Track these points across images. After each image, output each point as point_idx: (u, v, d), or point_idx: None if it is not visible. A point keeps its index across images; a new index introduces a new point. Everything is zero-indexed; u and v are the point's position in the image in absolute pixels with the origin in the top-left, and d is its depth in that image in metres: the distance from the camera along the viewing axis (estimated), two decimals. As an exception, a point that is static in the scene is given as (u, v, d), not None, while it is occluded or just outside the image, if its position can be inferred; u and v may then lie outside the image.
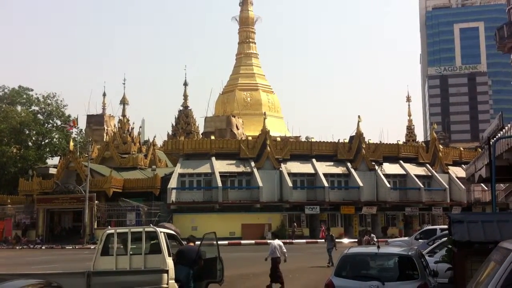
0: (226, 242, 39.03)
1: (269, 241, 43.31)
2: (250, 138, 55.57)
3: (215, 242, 14.51)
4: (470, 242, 9.51)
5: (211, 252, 14.51)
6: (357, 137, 52.54)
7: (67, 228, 50.40)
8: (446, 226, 22.76)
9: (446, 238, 14.29)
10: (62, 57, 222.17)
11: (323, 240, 27.65)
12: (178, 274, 13.15)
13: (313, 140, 53.85)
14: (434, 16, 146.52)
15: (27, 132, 61.53)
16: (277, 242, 18.07)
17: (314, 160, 51.06)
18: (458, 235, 9.71)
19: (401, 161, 53.86)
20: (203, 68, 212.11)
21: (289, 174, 49.38)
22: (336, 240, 25.81)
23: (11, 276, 4.56)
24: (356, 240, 30.88)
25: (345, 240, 40.20)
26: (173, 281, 13.05)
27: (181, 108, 71.12)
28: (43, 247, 43.24)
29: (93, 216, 46.22)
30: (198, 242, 14.23)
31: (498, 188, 49.92)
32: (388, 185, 50.64)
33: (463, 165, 53.94)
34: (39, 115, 63.47)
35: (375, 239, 23.60)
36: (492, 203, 17.86)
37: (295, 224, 46.79)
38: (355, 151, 52.11)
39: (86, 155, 49.98)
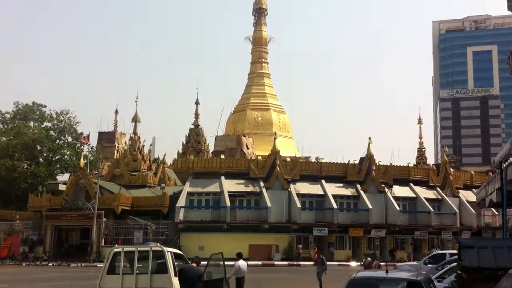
0: (232, 262, 38.77)
1: (276, 262, 43.29)
2: (260, 157, 55.51)
3: (221, 263, 14.40)
4: (480, 268, 9.38)
5: (217, 273, 14.42)
6: (367, 159, 52.29)
7: (74, 245, 50.32)
8: (455, 251, 22.49)
9: (455, 263, 14.08)
10: (76, 75, 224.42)
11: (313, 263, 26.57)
12: None
13: (323, 161, 53.66)
14: (447, 39, 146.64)
15: (38, 148, 61.86)
16: (241, 262, 18.23)
17: (323, 181, 50.82)
18: (468, 261, 9.58)
19: (411, 184, 53.47)
20: (215, 87, 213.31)
21: (298, 194, 49.12)
22: (344, 263, 25.61)
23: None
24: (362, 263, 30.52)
25: (353, 263, 39.81)
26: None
27: (192, 126, 71.34)
28: (50, 264, 43.16)
29: (101, 234, 46.14)
30: (203, 262, 14.14)
31: (509, 213, 49.33)
32: (398, 208, 50.21)
33: (473, 189, 53.42)
34: (51, 131, 63.85)
35: (372, 261, 23.37)
36: (503, 229, 17.64)
37: (299, 246, 46.41)
38: (365, 173, 51.81)
39: (96, 172, 50.09)
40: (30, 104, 65.22)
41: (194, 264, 14.05)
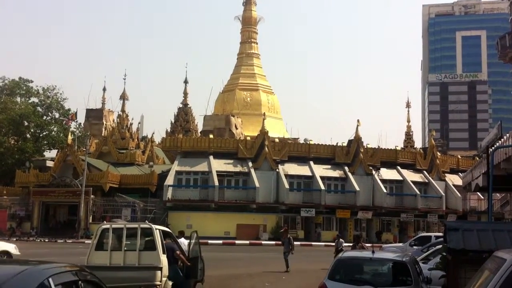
0: (220, 241, 39.05)
1: (263, 242, 43.62)
2: (248, 138, 55.59)
3: (194, 241, 14.50)
4: (465, 250, 9.53)
5: (193, 251, 14.53)
6: (356, 141, 52.57)
7: (62, 221, 50.32)
8: (441, 234, 22.80)
9: (440, 246, 14.30)
10: (63, 51, 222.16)
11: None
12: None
13: (311, 142, 53.84)
14: (436, 23, 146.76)
15: (26, 124, 61.41)
16: (182, 240, 18.56)
17: (311, 162, 51.07)
18: (453, 243, 9.72)
19: (398, 167, 53.90)
20: (204, 66, 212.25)
21: (286, 175, 49.37)
22: (331, 244, 25.73)
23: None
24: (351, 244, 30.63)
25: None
26: (166, 278, 13.08)
27: (181, 105, 71.13)
28: (37, 240, 43.16)
29: (89, 211, 46.13)
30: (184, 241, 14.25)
31: (494, 197, 49.98)
32: (385, 191, 50.67)
33: (460, 173, 53.90)
34: (38, 107, 63.35)
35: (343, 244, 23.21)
36: (488, 213, 17.89)
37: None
38: (353, 155, 52.13)
39: (84, 149, 49.91)
40: (16, 79, 64.59)
41: (169, 240, 14.14)
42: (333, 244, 23.91)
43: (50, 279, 4.15)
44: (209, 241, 39.77)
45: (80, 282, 4.62)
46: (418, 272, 10.23)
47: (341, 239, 23.46)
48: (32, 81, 65.24)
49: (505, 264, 5.16)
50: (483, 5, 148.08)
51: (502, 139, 18.47)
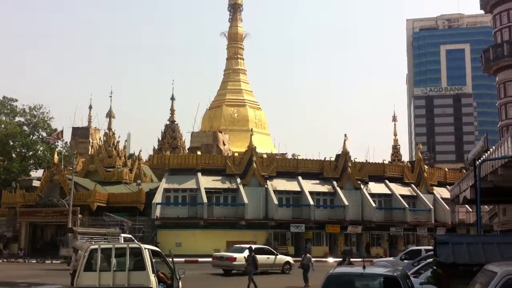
0: (210, 259, 38.75)
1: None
2: (236, 154, 55.58)
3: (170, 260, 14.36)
4: (455, 264, 9.54)
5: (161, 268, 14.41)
6: (343, 156, 52.72)
7: (49, 241, 49.76)
8: (431, 247, 22.82)
9: (431, 259, 14.29)
10: (48, 70, 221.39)
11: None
12: None
13: (299, 157, 53.89)
14: (421, 37, 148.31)
15: (11, 143, 60.89)
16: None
17: (300, 177, 51.08)
18: (443, 257, 9.73)
19: (386, 181, 54.06)
20: (190, 83, 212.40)
21: (275, 191, 49.32)
22: (321, 259, 25.54)
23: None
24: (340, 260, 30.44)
25: (330, 259, 40.07)
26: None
27: (168, 122, 71.01)
28: (26, 261, 42.63)
29: (76, 231, 45.60)
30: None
31: (482, 209, 50.16)
32: (374, 205, 50.75)
33: (448, 186, 54.19)
34: (24, 126, 62.87)
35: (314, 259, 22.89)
36: (477, 225, 17.95)
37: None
38: (341, 169, 52.24)
39: (71, 168, 49.55)
40: (0, 98, 64.08)
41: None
42: (324, 259, 23.83)
43: None
44: (199, 259, 39.51)
45: None
46: (410, 286, 10.18)
47: (308, 255, 23.11)
48: (16, 100, 64.75)
49: (496, 277, 5.19)
50: (466, 19, 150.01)
51: (489, 152, 18.60)
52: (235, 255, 28.71)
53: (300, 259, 24.82)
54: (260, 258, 25.63)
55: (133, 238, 36.09)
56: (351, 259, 22.57)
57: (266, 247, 34.43)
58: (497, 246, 9.85)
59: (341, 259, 18.73)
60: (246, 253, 25.48)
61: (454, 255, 9.62)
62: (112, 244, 15.20)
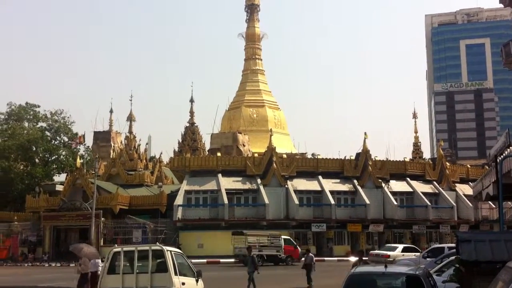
0: (232, 260, 38.91)
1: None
2: (256, 155, 55.58)
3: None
4: (478, 261, 9.47)
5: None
6: (364, 154, 52.44)
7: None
8: (454, 245, 22.62)
9: (454, 257, 14.19)
10: (70, 75, 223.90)
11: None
12: None
13: (319, 157, 53.74)
14: (440, 33, 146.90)
15: (34, 148, 61.72)
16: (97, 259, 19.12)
17: (320, 177, 50.94)
18: (466, 255, 9.67)
19: (408, 179, 53.66)
20: (209, 85, 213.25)
21: (295, 191, 49.24)
22: (343, 258, 25.42)
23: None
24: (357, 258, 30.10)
25: (352, 259, 39.90)
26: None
27: (188, 124, 71.29)
28: (50, 264, 43.16)
29: (100, 234, 46.12)
30: None
31: (506, 206, 49.61)
32: (395, 203, 50.41)
33: (470, 183, 53.67)
34: (46, 131, 63.68)
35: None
36: (500, 222, 17.77)
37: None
38: (362, 168, 51.97)
39: (93, 172, 50.06)
40: (23, 104, 65.03)
41: None
42: (346, 258, 23.67)
43: None
44: (221, 260, 39.66)
45: None
46: (432, 285, 10.13)
47: (310, 254, 22.97)
48: (39, 106, 65.71)
49: (519, 275, 5.15)
50: (485, 12, 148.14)
51: (511, 147, 18.37)
52: (389, 252, 32.56)
53: (321, 258, 24.76)
54: (408, 255, 30.18)
55: (291, 239, 41.01)
56: (363, 258, 22.24)
57: (412, 246, 38.43)
58: (520, 243, 9.76)
59: (356, 259, 18.42)
60: (399, 250, 32.77)
61: (476, 252, 9.56)
62: (134, 246, 15.35)
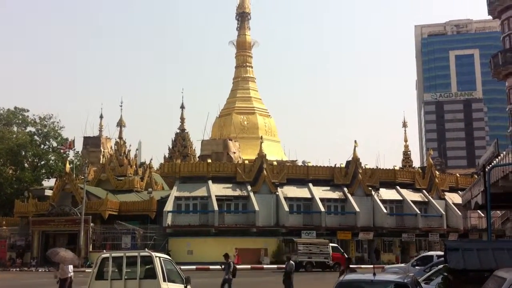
0: (221, 266, 38.78)
1: (265, 266, 43.27)
2: (246, 161, 55.55)
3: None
4: (466, 270, 9.53)
5: None
6: (354, 162, 52.62)
7: (61, 251, 49.85)
8: (442, 253, 22.70)
9: (442, 266, 14.27)
10: (59, 80, 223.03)
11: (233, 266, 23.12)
12: None
13: (309, 164, 53.84)
14: (429, 43, 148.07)
15: (23, 153, 61.40)
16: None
17: (310, 184, 51.03)
18: (454, 263, 9.73)
19: (397, 187, 53.86)
20: (200, 92, 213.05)
21: (286, 198, 49.29)
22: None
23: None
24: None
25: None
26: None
27: (178, 131, 71.19)
28: (38, 270, 42.83)
29: (88, 239, 45.87)
30: None
31: (495, 215, 50.02)
32: (385, 211, 50.57)
33: (459, 191, 53.95)
34: (35, 136, 63.39)
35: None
36: (488, 231, 17.89)
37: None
38: (352, 176, 52.13)
39: (82, 177, 49.88)
40: (12, 109, 64.71)
41: None
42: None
43: None
44: (210, 267, 39.54)
45: None
46: (420, 293, 10.19)
47: (291, 261, 22.98)
48: (28, 110, 65.43)
49: (505, 283, 5.20)
50: (474, 24, 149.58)
51: (499, 157, 18.54)
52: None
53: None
54: None
55: (338, 246, 42.72)
56: (350, 266, 22.16)
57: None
58: (507, 252, 9.84)
59: (342, 268, 18.13)
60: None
61: (464, 261, 9.62)
62: (123, 252, 15.29)
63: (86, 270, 34.76)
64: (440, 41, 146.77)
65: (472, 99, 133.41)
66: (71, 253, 20.63)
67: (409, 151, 68.78)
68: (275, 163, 54.29)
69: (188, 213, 48.22)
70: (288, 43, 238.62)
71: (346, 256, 39.46)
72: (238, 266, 42.03)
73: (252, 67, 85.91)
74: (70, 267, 19.84)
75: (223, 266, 22.48)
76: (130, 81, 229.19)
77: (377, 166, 56.38)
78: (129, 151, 62.88)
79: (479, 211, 46.21)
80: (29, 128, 64.57)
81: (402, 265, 30.82)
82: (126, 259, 13.74)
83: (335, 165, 54.01)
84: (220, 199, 47.97)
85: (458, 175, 61.81)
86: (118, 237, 46.04)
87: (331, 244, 41.27)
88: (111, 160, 59.36)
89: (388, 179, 53.95)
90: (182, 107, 71.12)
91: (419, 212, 51.58)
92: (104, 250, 17.34)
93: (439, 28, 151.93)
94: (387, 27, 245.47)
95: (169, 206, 46.99)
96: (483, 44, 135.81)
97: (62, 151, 60.23)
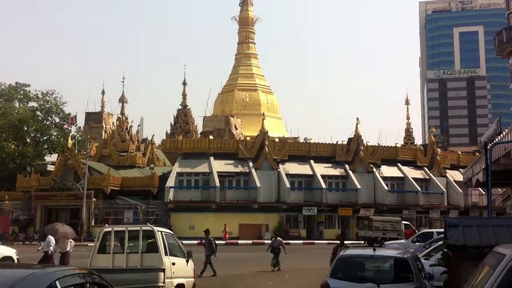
0: (223, 242, 39.12)
1: (266, 241, 43.61)
2: (248, 138, 55.65)
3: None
4: (465, 246, 9.56)
5: None
6: (356, 139, 52.63)
7: (64, 225, 50.22)
8: (442, 230, 22.82)
9: (442, 242, 14.34)
10: (61, 55, 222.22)
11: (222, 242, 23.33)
12: None
13: (311, 141, 53.89)
14: (433, 20, 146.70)
15: (25, 128, 61.42)
16: (51, 237, 19.51)
17: (312, 161, 51.12)
18: (454, 239, 9.76)
19: (399, 164, 53.95)
20: (202, 68, 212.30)
21: (287, 175, 49.44)
22: (333, 242, 25.45)
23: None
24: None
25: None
26: (170, 280, 13.13)
27: (180, 107, 71.20)
28: (41, 244, 43.15)
29: (91, 214, 46.20)
30: None
31: (496, 192, 50.10)
32: (386, 188, 50.73)
33: (461, 169, 53.93)
34: (37, 111, 63.35)
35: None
36: (488, 208, 17.93)
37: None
38: (353, 153, 52.19)
39: (85, 152, 49.99)
40: (13, 84, 64.55)
41: None
42: (336, 242, 23.53)
43: (57, 282, 4.23)
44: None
45: (87, 284, 4.69)
46: (420, 268, 10.27)
47: (278, 238, 23.12)
48: (29, 85, 65.22)
49: (505, 259, 5.22)
50: (479, 0, 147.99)
51: (502, 135, 18.48)
52: None
53: (311, 241, 24.83)
54: None
55: (410, 225, 44.00)
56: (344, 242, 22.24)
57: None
58: (507, 229, 9.85)
59: (337, 244, 17.04)
60: None
61: (464, 237, 9.65)
62: (125, 226, 15.38)
63: (89, 244, 35.05)
64: (444, 17, 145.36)
65: (475, 77, 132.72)
66: (68, 227, 21.14)
67: (411, 129, 68.79)
68: (277, 139, 54.31)
69: (189, 189, 48.45)
70: (291, 18, 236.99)
71: (412, 229, 41.46)
72: (239, 241, 42.63)
73: (254, 43, 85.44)
74: (71, 241, 20.20)
75: (203, 241, 22.35)
76: (132, 57, 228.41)
77: (379, 144, 56.48)
78: (131, 127, 63.00)
79: (480, 188, 46.30)
80: (31, 104, 64.48)
81: (403, 241, 31.03)
82: (128, 233, 13.80)
83: (337, 142, 54.07)
84: (221, 175, 48.13)
85: (459, 153, 61.88)
86: (120, 212, 46.38)
87: (403, 222, 42.10)
88: (113, 136, 59.48)
89: (389, 156, 54.03)
90: (184, 83, 71.04)
91: (420, 189, 51.76)
92: (106, 225, 17.49)
93: (444, 4, 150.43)
94: (392, 4, 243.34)
95: (171, 181, 47.18)
96: (488, 20, 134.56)
97: (64, 126, 60.17)
